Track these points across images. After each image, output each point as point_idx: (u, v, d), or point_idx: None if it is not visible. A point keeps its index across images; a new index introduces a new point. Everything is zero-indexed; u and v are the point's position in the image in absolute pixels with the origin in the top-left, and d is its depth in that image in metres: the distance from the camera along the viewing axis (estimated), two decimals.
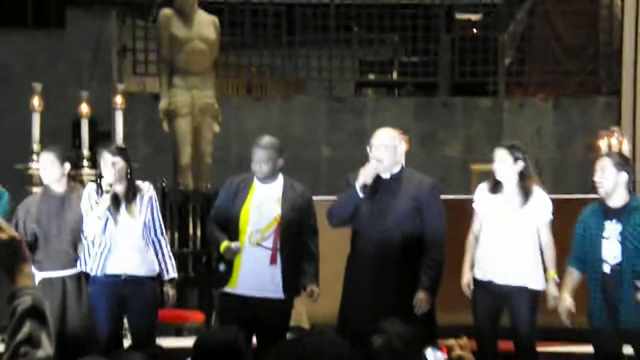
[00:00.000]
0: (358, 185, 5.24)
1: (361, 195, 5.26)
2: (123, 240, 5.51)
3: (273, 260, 5.41)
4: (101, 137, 8.47)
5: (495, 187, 5.48)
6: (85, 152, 7.06)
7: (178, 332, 7.33)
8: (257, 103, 10.73)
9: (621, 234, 5.09)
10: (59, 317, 5.53)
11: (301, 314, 7.29)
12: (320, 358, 2.08)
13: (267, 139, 5.52)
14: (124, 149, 5.79)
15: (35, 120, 7.03)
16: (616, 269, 5.09)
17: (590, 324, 5.27)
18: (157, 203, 5.63)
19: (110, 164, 5.50)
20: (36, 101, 7.07)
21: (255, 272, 5.41)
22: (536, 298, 5.46)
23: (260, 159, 5.41)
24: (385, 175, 5.34)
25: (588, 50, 10.74)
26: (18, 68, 9.66)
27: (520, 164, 5.43)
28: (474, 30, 11.38)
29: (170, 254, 5.63)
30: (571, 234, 6.38)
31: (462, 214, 6.57)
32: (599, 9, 10.76)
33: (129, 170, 5.58)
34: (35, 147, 7.00)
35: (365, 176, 5.25)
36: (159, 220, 5.61)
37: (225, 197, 5.54)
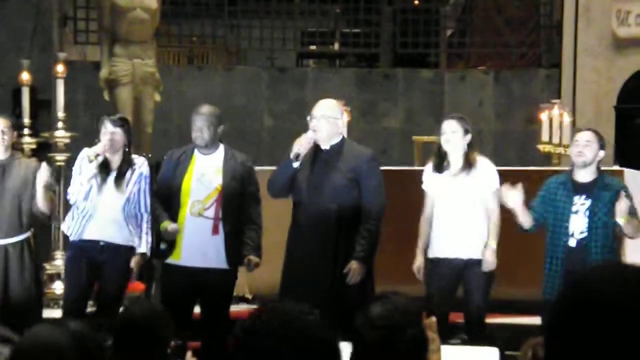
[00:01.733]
0: (292, 155, 5.24)
1: (295, 165, 5.26)
2: (104, 209, 5.50)
3: (215, 231, 5.40)
4: (41, 105, 8.34)
5: (441, 165, 5.47)
6: (26, 120, 6.94)
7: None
8: (199, 73, 10.65)
9: (589, 209, 5.14)
10: (1, 284, 5.49)
11: (244, 284, 7.30)
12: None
13: (206, 107, 5.52)
14: (127, 121, 5.74)
15: None
16: (582, 243, 5.14)
17: (543, 295, 5.29)
18: (149, 179, 5.59)
19: (109, 134, 5.46)
20: None
21: (198, 243, 5.40)
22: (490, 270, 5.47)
23: (201, 126, 5.39)
24: (325, 147, 5.34)
25: (529, 23, 10.86)
26: None
27: (469, 136, 5.48)
28: (416, 1, 11.43)
29: (149, 230, 5.61)
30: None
31: (403, 185, 6.63)
32: None
33: (127, 143, 5.54)
34: None
35: (299, 146, 5.24)
36: (146, 196, 5.58)
37: (166, 170, 5.53)
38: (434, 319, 2.96)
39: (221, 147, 5.52)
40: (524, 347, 2.56)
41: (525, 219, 5.28)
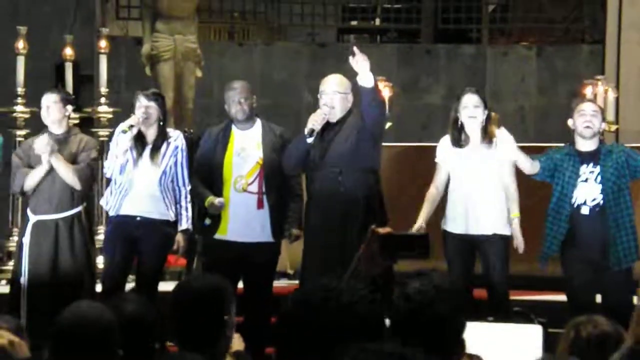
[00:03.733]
0: (306, 130, 5.27)
1: (309, 140, 5.31)
2: (141, 183, 5.57)
3: (260, 205, 5.46)
4: (83, 80, 8.41)
5: (460, 139, 5.42)
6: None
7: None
8: (240, 48, 10.67)
9: (600, 175, 5.16)
10: (51, 259, 5.57)
11: (285, 259, 7.34)
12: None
13: (238, 82, 5.60)
14: (161, 95, 5.81)
15: (20, 64, 6.98)
16: (596, 209, 5.16)
17: (542, 255, 5.32)
18: (185, 153, 5.64)
19: (144, 107, 5.52)
20: (21, 44, 7.01)
21: (244, 218, 5.46)
22: (508, 243, 5.47)
23: (240, 99, 5.45)
24: (333, 120, 5.37)
25: None
26: (2, 11, 9.54)
27: (487, 110, 5.46)
28: None
29: (189, 205, 5.66)
30: (529, 183, 6.41)
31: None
32: None
33: (161, 117, 5.60)
34: (20, 90, 6.96)
35: (313, 122, 5.29)
36: (184, 170, 5.64)
37: (205, 149, 5.58)
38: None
39: (258, 121, 5.58)
40: (567, 326, 2.56)
41: (528, 164, 5.31)
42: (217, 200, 5.41)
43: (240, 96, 5.48)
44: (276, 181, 5.48)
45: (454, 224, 5.45)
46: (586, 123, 5.21)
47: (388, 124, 6.52)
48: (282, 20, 11.11)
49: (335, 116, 5.35)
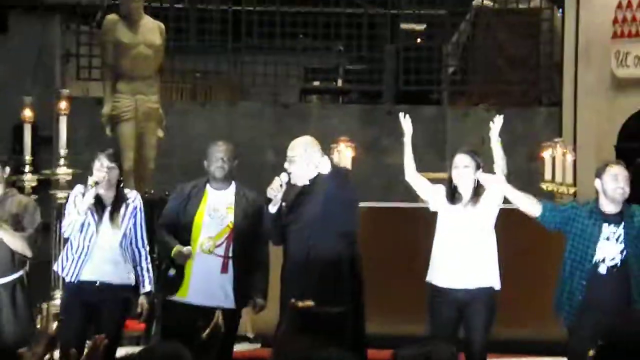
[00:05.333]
0: (266, 202, 5.31)
1: (272, 210, 5.32)
2: (101, 248, 5.48)
3: (224, 269, 5.40)
4: (43, 142, 8.36)
5: (454, 196, 5.44)
6: (27, 157, 6.96)
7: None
8: (202, 108, 10.69)
9: (623, 235, 5.10)
10: None
11: (246, 322, 7.27)
12: None
13: (223, 142, 5.57)
14: (119, 156, 5.76)
15: None
16: (612, 270, 5.10)
17: (565, 323, 5.24)
18: (143, 214, 5.58)
19: (107, 168, 5.47)
20: None
21: (206, 281, 5.39)
22: (494, 299, 5.43)
23: (222, 157, 5.45)
24: (304, 182, 5.37)
25: (529, 61, 10.91)
26: None
27: (480, 171, 5.47)
28: (418, 39, 11.49)
29: (150, 267, 5.59)
30: (516, 243, 6.44)
31: (407, 221, 6.63)
32: (540, 21, 10.95)
33: (120, 179, 5.55)
34: None
35: (271, 191, 5.29)
36: (142, 231, 5.57)
37: (176, 204, 5.52)
38: None
39: (233, 184, 5.55)
40: None
41: (523, 200, 5.29)
42: (185, 249, 5.35)
43: (224, 155, 5.47)
44: (244, 247, 5.43)
45: (440, 277, 5.42)
46: (619, 189, 5.16)
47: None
48: (245, 80, 11.17)
49: (301, 179, 5.35)
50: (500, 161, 5.53)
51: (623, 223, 5.13)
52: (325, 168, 5.23)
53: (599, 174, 5.24)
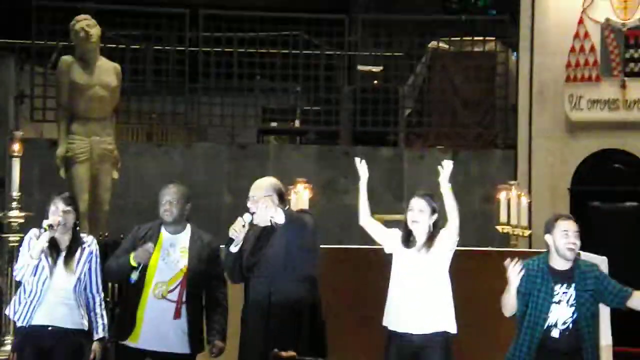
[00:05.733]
0: (227, 243, 5.26)
1: (233, 250, 5.27)
2: (54, 292, 5.39)
3: (177, 314, 5.33)
4: None
5: (409, 239, 5.41)
6: None
7: None
8: (158, 149, 10.63)
9: (575, 298, 5.02)
10: None
11: None
12: None
13: (174, 184, 5.52)
14: (75, 200, 5.68)
15: None
16: (565, 333, 5.02)
17: None
18: (98, 259, 5.50)
19: (62, 212, 5.38)
20: None
21: (158, 326, 5.31)
22: (451, 342, 5.40)
23: (170, 200, 5.39)
24: (266, 223, 5.34)
25: (485, 104, 11.03)
26: None
27: (435, 215, 5.45)
28: (375, 81, 11.58)
29: (104, 313, 5.50)
30: (472, 286, 6.43)
31: (364, 262, 6.60)
32: (495, 64, 11.09)
33: (76, 222, 5.47)
34: None
35: (232, 232, 5.25)
36: (97, 276, 5.49)
37: (130, 245, 5.45)
38: None
39: (188, 226, 5.49)
40: None
41: (511, 302, 5.13)
42: (145, 246, 5.27)
43: (171, 197, 5.41)
44: (198, 291, 5.38)
45: (396, 322, 5.39)
46: (570, 245, 5.06)
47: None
48: (202, 121, 11.15)
49: (263, 220, 5.30)
50: (452, 210, 5.43)
51: (574, 283, 5.06)
52: (280, 218, 5.19)
53: (548, 229, 5.15)
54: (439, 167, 5.53)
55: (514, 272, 5.06)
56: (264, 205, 5.24)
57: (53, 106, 9.39)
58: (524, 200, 8.16)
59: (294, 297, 5.24)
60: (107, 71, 8.63)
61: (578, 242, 5.09)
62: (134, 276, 5.33)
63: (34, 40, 10.26)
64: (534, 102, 10.03)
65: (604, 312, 6.87)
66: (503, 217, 8.19)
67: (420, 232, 5.42)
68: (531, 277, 5.10)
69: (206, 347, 5.47)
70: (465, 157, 10.55)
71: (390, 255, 5.51)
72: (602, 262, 6.38)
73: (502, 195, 8.19)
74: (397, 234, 5.51)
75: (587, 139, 9.93)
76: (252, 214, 5.27)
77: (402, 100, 11.12)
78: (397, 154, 10.70)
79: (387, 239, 5.52)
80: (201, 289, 5.39)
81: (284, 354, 2.48)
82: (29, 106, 10.25)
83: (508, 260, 5.09)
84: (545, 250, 5.22)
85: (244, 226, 5.24)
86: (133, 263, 5.32)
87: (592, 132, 9.88)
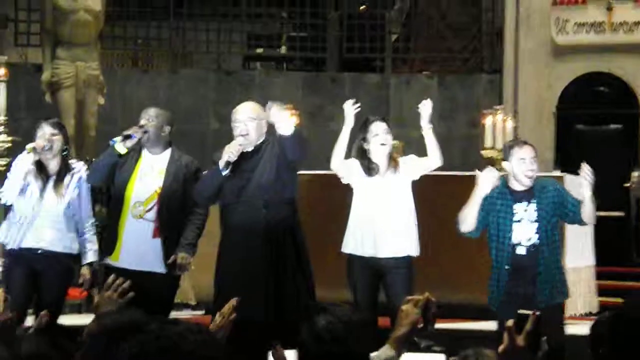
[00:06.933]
0: (222, 163, 5.18)
1: (224, 173, 5.21)
2: (45, 215, 5.41)
3: (156, 234, 5.36)
4: None
5: (370, 168, 5.40)
6: None
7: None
8: (144, 75, 10.58)
9: (536, 213, 5.03)
10: None
11: (188, 289, 7.25)
12: None
13: (153, 108, 5.50)
14: (64, 126, 5.67)
15: None
16: (531, 249, 5.04)
17: (490, 305, 5.19)
18: (88, 185, 5.52)
19: (50, 135, 5.38)
20: None
21: (137, 245, 5.32)
22: (413, 270, 5.43)
23: (141, 121, 5.38)
24: (249, 148, 5.29)
25: (471, 29, 10.99)
26: None
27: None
28: (362, 6, 11.49)
29: (93, 238, 5.53)
30: (456, 209, 6.50)
31: (349, 189, 6.63)
32: None
33: (65, 148, 5.47)
34: None
35: (229, 154, 5.18)
36: (87, 202, 5.51)
37: (112, 158, 5.39)
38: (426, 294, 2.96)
39: (170, 149, 5.49)
40: (456, 359, 2.59)
41: (470, 218, 5.13)
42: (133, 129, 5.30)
43: (143, 118, 5.41)
44: (173, 211, 5.36)
45: (361, 247, 5.41)
46: (528, 172, 5.04)
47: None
48: (188, 47, 11.07)
49: (251, 144, 5.26)
50: (433, 151, 5.43)
51: (535, 200, 5.06)
52: (288, 129, 5.07)
53: (506, 155, 5.14)
54: (418, 107, 5.50)
55: (486, 177, 5.05)
56: (260, 128, 5.21)
57: (37, 31, 9.32)
58: (509, 125, 8.20)
59: (287, 219, 5.21)
60: None
61: (535, 167, 5.07)
62: (122, 148, 5.31)
63: None
64: (520, 26, 10.00)
65: (587, 234, 6.99)
66: (488, 142, 8.23)
67: (384, 157, 5.42)
68: (492, 199, 5.11)
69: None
70: (451, 82, 10.55)
71: None
72: (562, 180, 6.42)
73: (487, 120, 8.22)
74: (355, 164, 5.47)
75: (573, 62, 9.94)
76: (244, 135, 5.24)
77: (389, 25, 11.07)
78: (383, 80, 10.69)
79: (348, 172, 5.49)
80: (176, 210, 5.37)
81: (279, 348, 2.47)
82: (13, 30, 10.15)
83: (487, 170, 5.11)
84: None
85: (240, 145, 5.22)
86: (119, 150, 5.32)
87: (578, 55, 9.89)
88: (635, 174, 8.84)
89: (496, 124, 8.20)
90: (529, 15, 10.00)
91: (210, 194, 5.30)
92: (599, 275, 7.33)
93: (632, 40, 9.71)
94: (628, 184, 9.08)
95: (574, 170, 6.64)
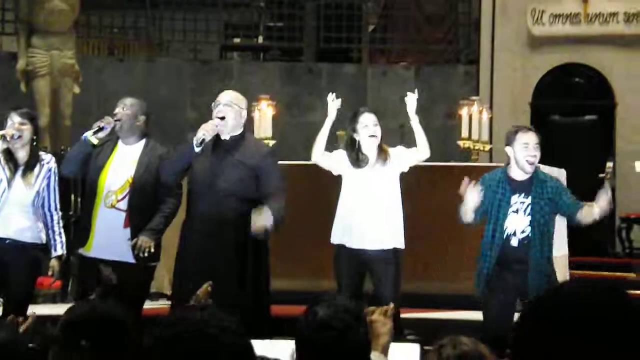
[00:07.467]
0: (196, 139, 5.12)
1: (197, 150, 5.14)
2: (12, 205, 5.35)
3: (127, 223, 5.34)
4: None
5: (359, 159, 5.39)
6: None
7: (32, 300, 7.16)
8: (120, 64, 10.52)
9: (530, 207, 5.06)
10: None
11: (163, 279, 7.23)
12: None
13: (128, 98, 5.48)
14: (34, 116, 5.62)
15: None
16: (524, 241, 5.06)
17: (475, 293, 5.21)
18: (57, 177, 5.48)
19: (18, 124, 5.35)
20: None
21: (109, 235, 5.30)
22: (400, 263, 5.43)
23: (117, 112, 5.36)
24: (225, 137, 5.25)
25: (447, 20, 11.01)
26: None
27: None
28: None
29: (61, 230, 5.49)
30: (434, 200, 6.51)
31: (327, 179, 6.64)
32: None
33: (34, 138, 5.43)
34: None
35: (204, 131, 5.12)
36: (55, 194, 5.46)
37: (87, 147, 5.40)
38: (391, 305, 2.97)
39: (144, 140, 5.47)
40: (432, 348, 2.60)
41: (469, 212, 5.11)
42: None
43: (117, 108, 5.39)
44: (143, 202, 5.31)
45: (349, 238, 5.40)
46: (530, 158, 5.06)
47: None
48: (164, 36, 11.02)
49: (227, 130, 5.22)
50: (421, 143, 5.44)
51: (532, 192, 5.09)
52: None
53: (509, 141, 5.16)
54: (405, 99, 5.52)
55: (470, 192, 5.08)
56: (237, 115, 5.20)
57: (12, 18, 9.25)
58: (485, 115, 8.23)
59: (242, 218, 5.16)
60: None
61: (538, 154, 5.12)
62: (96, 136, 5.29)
63: None
64: (496, 16, 10.03)
65: (560, 223, 7.03)
66: (464, 133, 8.26)
67: (373, 148, 5.42)
68: (492, 188, 5.14)
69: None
70: (428, 73, 10.56)
71: None
72: (560, 175, 6.49)
73: (463, 111, 8.25)
74: (343, 155, 5.48)
75: (549, 53, 9.98)
76: (222, 118, 5.22)
77: (366, 15, 11.07)
78: (360, 71, 10.69)
79: (336, 164, 5.49)
80: (147, 200, 5.33)
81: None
82: None
83: (465, 181, 5.13)
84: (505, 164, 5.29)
85: (217, 126, 5.19)
86: (92, 141, 5.30)
87: (554, 46, 9.93)
88: (609, 164, 8.90)
89: (472, 115, 8.23)
90: (505, 6, 10.04)
91: (177, 170, 5.26)
92: (574, 266, 7.38)
93: (607, 32, 9.76)
94: (603, 175, 9.15)
95: (549, 161, 6.70)
